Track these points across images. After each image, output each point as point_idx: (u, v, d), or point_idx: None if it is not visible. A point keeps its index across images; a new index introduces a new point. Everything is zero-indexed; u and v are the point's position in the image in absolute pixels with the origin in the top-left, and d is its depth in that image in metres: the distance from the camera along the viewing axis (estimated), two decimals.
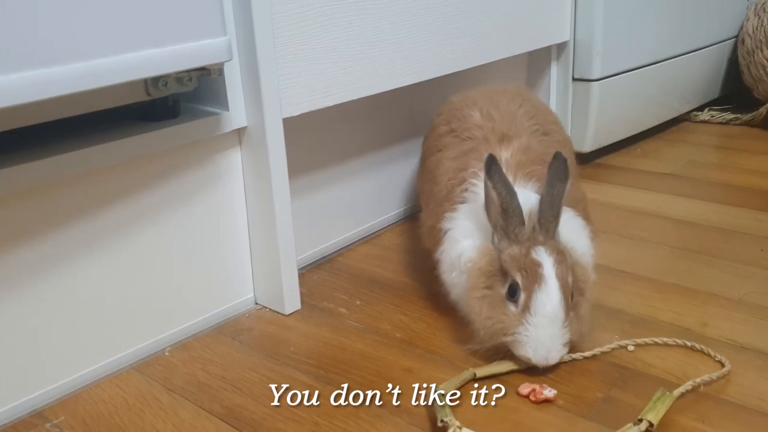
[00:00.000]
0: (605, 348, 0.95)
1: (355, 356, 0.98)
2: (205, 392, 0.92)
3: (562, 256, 0.90)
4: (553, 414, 0.84)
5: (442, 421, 0.80)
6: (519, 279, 0.88)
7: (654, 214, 1.40)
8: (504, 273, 0.90)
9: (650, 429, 0.79)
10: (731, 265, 1.17)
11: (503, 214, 0.91)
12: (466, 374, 0.90)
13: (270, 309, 1.12)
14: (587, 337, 0.94)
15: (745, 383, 0.88)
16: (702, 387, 0.87)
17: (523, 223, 0.91)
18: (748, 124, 1.97)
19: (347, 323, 1.06)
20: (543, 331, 0.87)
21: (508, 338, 0.89)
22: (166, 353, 1.01)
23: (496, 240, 0.93)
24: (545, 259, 0.88)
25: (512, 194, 0.90)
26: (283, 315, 1.09)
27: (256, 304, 1.14)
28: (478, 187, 0.99)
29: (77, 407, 0.90)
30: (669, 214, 1.40)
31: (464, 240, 0.97)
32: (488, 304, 0.91)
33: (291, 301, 1.10)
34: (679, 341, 0.95)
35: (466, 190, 1.02)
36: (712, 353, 0.93)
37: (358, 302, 1.12)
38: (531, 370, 0.91)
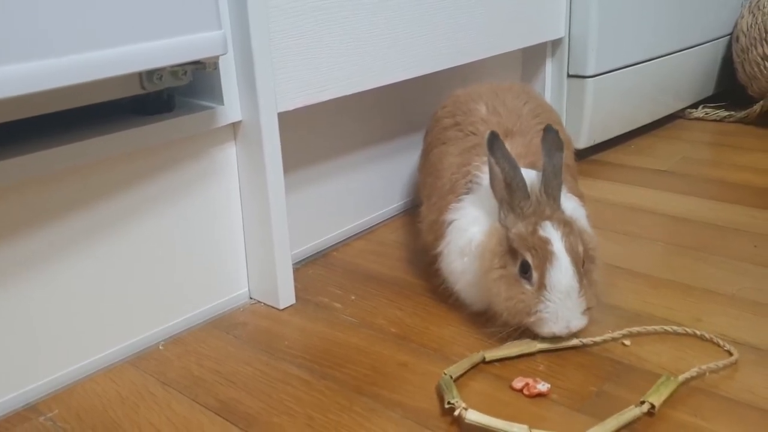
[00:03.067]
0: (616, 334, 0.96)
1: (349, 351, 0.98)
2: (200, 386, 0.91)
3: (569, 227, 0.91)
4: (547, 408, 0.84)
5: (449, 402, 0.81)
6: (529, 258, 0.89)
7: (648, 211, 1.41)
8: (514, 251, 0.91)
9: (652, 411, 0.81)
10: (725, 262, 1.18)
11: (507, 188, 0.92)
12: (476, 357, 0.91)
13: (264, 303, 1.12)
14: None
15: (738, 378, 0.88)
16: (707, 374, 0.88)
17: (528, 196, 0.92)
18: (742, 121, 1.97)
19: (342, 318, 1.06)
20: (562, 305, 0.89)
21: (532, 318, 0.90)
22: (160, 347, 1.01)
23: (502, 216, 0.94)
24: (553, 235, 0.89)
25: (515, 168, 0.91)
26: (278, 309, 1.09)
27: (251, 298, 1.14)
28: (482, 178, 1.00)
29: (71, 401, 0.90)
30: (663, 211, 1.40)
31: (472, 227, 0.98)
32: (505, 284, 0.92)
33: (285, 295, 1.10)
34: (689, 330, 0.97)
35: (470, 181, 1.02)
36: (721, 343, 0.94)
37: (352, 297, 1.12)
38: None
